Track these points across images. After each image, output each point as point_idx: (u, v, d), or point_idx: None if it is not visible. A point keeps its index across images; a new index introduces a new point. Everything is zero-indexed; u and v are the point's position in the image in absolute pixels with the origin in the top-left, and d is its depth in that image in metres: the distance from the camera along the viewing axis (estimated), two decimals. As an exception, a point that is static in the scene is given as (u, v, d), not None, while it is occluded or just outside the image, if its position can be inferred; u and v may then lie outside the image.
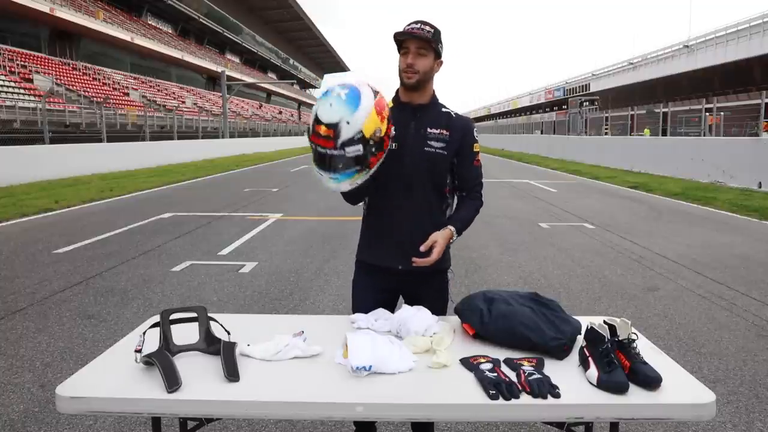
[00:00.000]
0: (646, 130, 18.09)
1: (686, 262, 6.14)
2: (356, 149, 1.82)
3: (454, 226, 2.09)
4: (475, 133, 2.19)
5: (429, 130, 2.09)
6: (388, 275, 2.15)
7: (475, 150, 2.17)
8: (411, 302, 2.16)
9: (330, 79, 1.92)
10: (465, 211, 2.18)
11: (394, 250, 2.11)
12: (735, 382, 3.25)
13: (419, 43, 2.00)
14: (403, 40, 2.03)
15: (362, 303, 2.17)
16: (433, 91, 2.16)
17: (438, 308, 2.11)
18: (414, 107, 2.11)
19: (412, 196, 2.07)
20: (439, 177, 2.12)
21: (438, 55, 2.06)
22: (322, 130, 1.80)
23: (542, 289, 4.88)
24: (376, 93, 1.89)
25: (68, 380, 1.64)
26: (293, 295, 5.01)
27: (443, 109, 2.16)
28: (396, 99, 2.16)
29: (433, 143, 2.08)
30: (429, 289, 2.17)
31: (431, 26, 2.03)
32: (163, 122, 32.31)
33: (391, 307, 2.18)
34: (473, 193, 2.21)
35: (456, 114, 2.16)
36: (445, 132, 2.10)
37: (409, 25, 2.04)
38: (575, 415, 1.53)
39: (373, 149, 1.85)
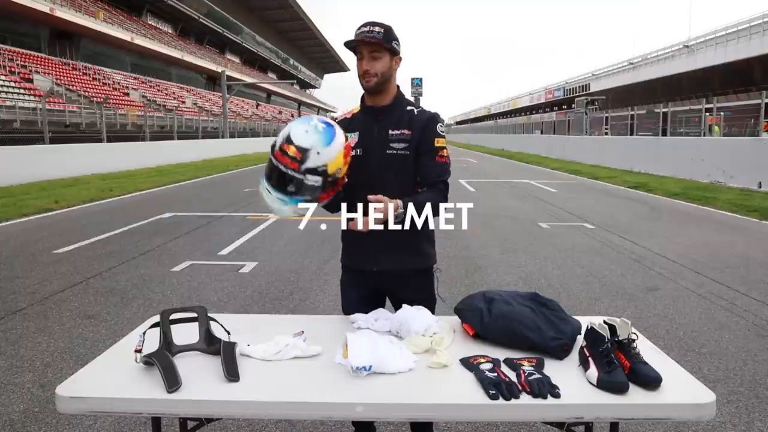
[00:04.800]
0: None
1: (686, 262, 6.14)
2: (316, 180, 1.86)
3: (403, 201, 1.96)
4: (440, 128, 2.11)
5: (391, 132, 2.07)
6: (371, 276, 2.16)
7: (437, 145, 2.09)
8: (397, 304, 2.16)
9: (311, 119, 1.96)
10: (422, 195, 2.04)
11: (370, 252, 2.11)
12: (735, 382, 3.25)
13: (371, 47, 2.00)
14: (355, 46, 2.02)
15: (349, 303, 2.20)
16: (397, 89, 2.14)
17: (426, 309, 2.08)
18: (376, 110, 2.10)
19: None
20: (405, 176, 2.09)
21: (394, 53, 2.04)
22: (291, 150, 1.84)
23: (542, 289, 4.88)
24: (346, 138, 1.97)
25: (68, 380, 1.64)
26: (293, 295, 5.01)
27: (407, 108, 2.12)
28: (362, 104, 2.16)
29: (394, 145, 2.07)
30: (415, 290, 2.17)
31: (381, 26, 2.01)
32: (163, 122, 32.30)
33: (379, 307, 2.18)
34: (434, 188, 2.09)
35: (420, 110, 2.12)
36: (406, 132, 2.08)
37: (359, 29, 2.02)
38: (575, 415, 1.53)
39: (328, 186, 1.89)
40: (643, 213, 10.04)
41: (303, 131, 1.87)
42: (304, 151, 1.84)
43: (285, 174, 1.85)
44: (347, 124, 2.13)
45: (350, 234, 2.16)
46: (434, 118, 2.12)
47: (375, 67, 2.02)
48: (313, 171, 1.85)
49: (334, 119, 2.13)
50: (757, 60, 34.41)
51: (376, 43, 1.99)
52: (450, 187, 2.16)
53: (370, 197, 1.92)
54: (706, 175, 14.54)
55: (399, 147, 2.07)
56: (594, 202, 11.66)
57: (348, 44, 2.02)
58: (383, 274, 2.14)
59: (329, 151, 1.86)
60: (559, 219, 9.30)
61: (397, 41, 2.05)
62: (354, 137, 2.09)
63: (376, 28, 2.00)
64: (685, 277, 5.56)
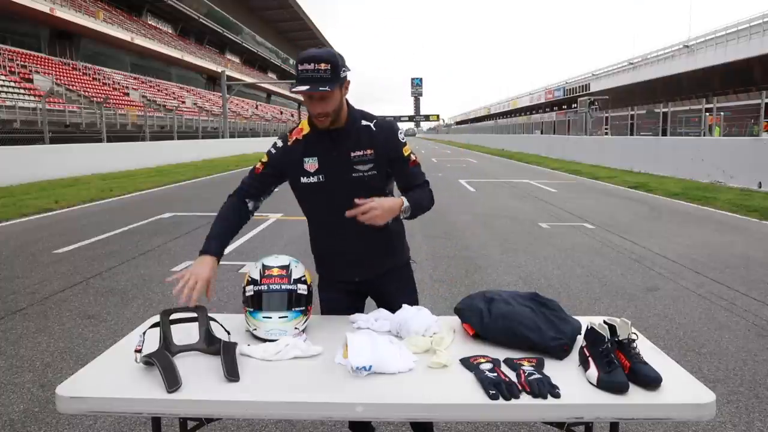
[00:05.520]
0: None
1: (686, 262, 6.14)
2: (304, 288, 1.93)
3: (407, 199, 1.95)
4: (401, 137, 2.02)
5: (353, 153, 1.95)
6: (351, 284, 2.17)
7: (406, 154, 2.03)
8: (379, 301, 2.18)
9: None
10: (418, 194, 2.02)
11: (350, 266, 2.10)
12: (735, 382, 3.25)
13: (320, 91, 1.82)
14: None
15: (328, 304, 2.20)
16: (347, 106, 1.99)
17: (408, 302, 2.06)
18: (333, 133, 1.95)
19: (353, 221, 1.90)
20: (376, 194, 1.95)
21: (343, 81, 1.89)
22: (275, 271, 1.92)
23: (542, 289, 4.88)
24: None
25: (68, 380, 1.64)
26: (293, 295, 5.01)
27: (363, 123, 1.99)
28: (311, 123, 1.99)
29: (359, 167, 1.96)
30: (393, 286, 2.18)
31: (326, 60, 1.80)
32: (163, 122, 32.32)
33: (360, 306, 2.21)
34: (422, 188, 2.07)
35: (375, 124, 2.00)
36: (369, 151, 1.96)
37: (302, 64, 1.82)
38: (575, 415, 1.52)
39: (310, 297, 1.97)
40: (643, 213, 10.04)
41: (273, 258, 1.97)
42: (286, 267, 1.93)
43: (278, 290, 1.89)
44: (302, 146, 1.99)
45: (324, 249, 2.16)
46: (393, 129, 2.03)
47: (327, 108, 1.87)
48: (300, 280, 1.93)
49: (286, 135, 2.03)
50: (757, 60, 34.41)
51: (326, 85, 1.81)
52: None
53: (350, 213, 1.89)
54: (706, 175, 14.54)
55: (364, 169, 1.96)
56: (594, 202, 11.66)
57: (295, 93, 1.85)
58: (364, 282, 2.16)
59: (300, 265, 1.97)
60: (559, 219, 9.30)
61: (345, 67, 1.88)
62: (313, 162, 1.97)
63: (322, 66, 1.79)
64: (685, 277, 5.56)
